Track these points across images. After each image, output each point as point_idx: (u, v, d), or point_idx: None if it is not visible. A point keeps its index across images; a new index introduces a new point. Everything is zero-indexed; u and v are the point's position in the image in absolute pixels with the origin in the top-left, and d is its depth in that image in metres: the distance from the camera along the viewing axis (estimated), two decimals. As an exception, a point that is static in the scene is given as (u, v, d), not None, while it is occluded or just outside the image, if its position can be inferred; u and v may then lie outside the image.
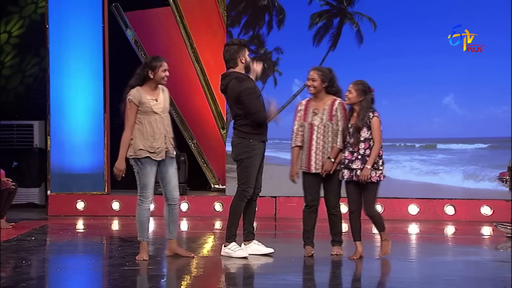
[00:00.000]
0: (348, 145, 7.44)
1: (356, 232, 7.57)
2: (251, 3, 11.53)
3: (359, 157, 7.37)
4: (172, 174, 7.44)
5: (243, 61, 7.55)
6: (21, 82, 13.07)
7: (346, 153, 7.45)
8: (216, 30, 12.14)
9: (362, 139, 7.36)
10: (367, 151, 7.36)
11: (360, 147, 7.37)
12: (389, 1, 11.20)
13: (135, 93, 7.24)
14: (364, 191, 7.46)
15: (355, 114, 7.44)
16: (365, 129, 7.36)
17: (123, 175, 7.37)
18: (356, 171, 7.38)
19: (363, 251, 7.57)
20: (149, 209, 7.42)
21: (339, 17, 11.25)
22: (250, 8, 11.55)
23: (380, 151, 7.40)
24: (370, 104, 7.42)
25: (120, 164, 7.33)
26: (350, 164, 7.41)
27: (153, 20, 12.50)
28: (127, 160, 7.39)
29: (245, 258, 7.49)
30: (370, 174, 7.33)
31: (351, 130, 7.42)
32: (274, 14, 11.47)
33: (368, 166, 7.31)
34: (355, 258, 7.49)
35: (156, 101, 7.30)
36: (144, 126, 7.26)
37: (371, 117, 7.35)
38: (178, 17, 12.08)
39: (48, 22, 11.64)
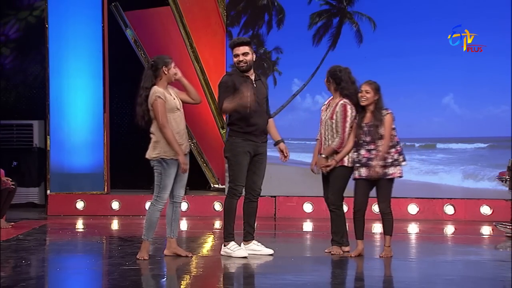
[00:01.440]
0: (365, 143, 7.50)
1: (359, 231, 7.58)
2: (250, 2, 11.53)
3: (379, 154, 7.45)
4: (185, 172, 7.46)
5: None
6: (21, 82, 13.07)
7: (363, 152, 7.50)
8: (216, 29, 12.14)
9: (379, 136, 7.45)
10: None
11: (378, 144, 7.44)
12: (389, 1, 11.20)
13: (159, 90, 7.25)
14: (379, 188, 7.52)
15: (368, 113, 7.51)
16: (381, 127, 7.45)
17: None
18: (375, 167, 7.44)
19: (363, 250, 7.57)
20: (161, 210, 7.42)
21: (338, 16, 11.25)
22: (250, 7, 11.54)
23: (399, 148, 7.49)
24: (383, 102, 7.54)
25: (184, 159, 7.27)
26: (369, 162, 7.45)
27: (152, 19, 12.50)
28: (146, 160, 7.35)
29: (244, 257, 7.49)
30: (388, 171, 7.42)
31: (365, 129, 7.47)
32: (274, 14, 11.47)
33: (374, 163, 7.38)
34: (352, 255, 7.50)
35: (174, 98, 7.34)
36: (170, 124, 7.26)
37: (384, 114, 7.47)
38: (177, 17, 12.08)
39: (47, 22, 11.63)
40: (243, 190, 7.61)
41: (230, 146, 7.56)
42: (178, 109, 7.34)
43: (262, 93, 7.63)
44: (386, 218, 7.60)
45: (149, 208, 7.43)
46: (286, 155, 7.68)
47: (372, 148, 7.47)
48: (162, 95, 7.24)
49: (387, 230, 7.60)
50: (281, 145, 7.69)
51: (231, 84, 7.45)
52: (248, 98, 7.30)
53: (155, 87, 7.27)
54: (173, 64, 7.36)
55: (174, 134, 7.23)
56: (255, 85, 7.55)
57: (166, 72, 7.30)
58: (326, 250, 7.77)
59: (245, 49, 7.52)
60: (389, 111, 7.51)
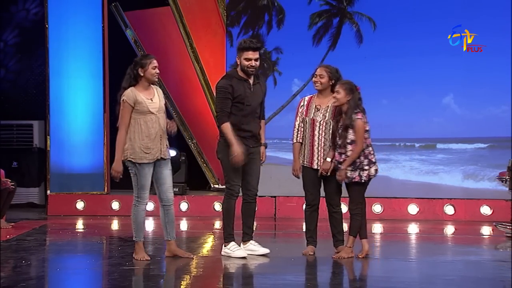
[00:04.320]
0: (337, 146, 7.43)
1: (361, 230, 7.54)
2: (250, 2, 11.53)
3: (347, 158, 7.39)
4: (167, 175, 7.41)
5: (239, 63, 7.55)
6: (21, 83, 13.06)
7: (336, 154, 7.45)
8: (216, 30, 12.14)
9: (348, 140, 7.34)
10: None
11: (347, 149, 7.36)
12: (389, 1, 11.20)
13: (129, 93, 7.24)
14: (348, 190, 7.46)
15: (343, 115, 7.43)
16: (351, 131, 7.34)
17: (121, 176, 7.34)
18: (342, 172, 7.38)
19: (369, 249, 7.54)
20: (145, 209, 7.41)
21: (338, 17, 11.25)
22: (250, 7, 11.54)
23: (366, 151, 7.36)
24: (358, 103, 7.40)
25: (118, 166, 7.31)
26: (339, 166, 7.41)
27: (152, 19, 12.50)
28: (123, 161, 7.37)
29: (243, 258, 7.49)
30: (351, 175, 7.33)
31: (340, 131, 7.41)
32: (274, 14, 11.47)
33: (343, 167, 7.33)
34: (360, 256, 7.49)
35: (152, 100, 7.30)
36: (140, 126, 7.25)
37: (353, 118, 7.31)
38: (177, 17, 12.08)
39: (47, 22, 11.63)
40: (240, 189, 7.61)
41: (222, 146, 7.54)
42: (151, 112, 7.26)
43: (257, 98, 7.58)
44: (353, 218, 7.48)
45: (132, 209, 7.41)
46: (262, 159, 7.69)
47: (342, 151, 7.39)
48: (131, 98, 7.20)
49: (351, 231, 7.50)
50: (261, 148, 7.69)
51: (230, 90, 7.43)
52: (239, 158, 7.32)
53: (129, 89, 7.25)
54: (152, 65, 7.24)
55: (124, 138, 7.27)
56: (251, 90, 7.53)
57: (141, 74, 7.26)
58: (304, 252, 7.70)
59: (257, 54, 7.49)
60: (358, 116, 7.32)
